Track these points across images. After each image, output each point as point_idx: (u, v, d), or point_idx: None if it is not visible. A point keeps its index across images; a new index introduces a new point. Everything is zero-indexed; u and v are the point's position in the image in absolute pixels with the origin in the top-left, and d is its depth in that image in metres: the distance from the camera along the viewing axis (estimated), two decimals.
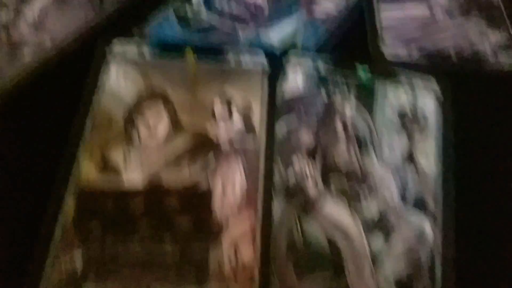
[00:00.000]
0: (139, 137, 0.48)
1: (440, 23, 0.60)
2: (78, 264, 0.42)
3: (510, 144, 0.51)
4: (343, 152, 0.48)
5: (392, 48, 0.57)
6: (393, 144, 0.49)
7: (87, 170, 0.46)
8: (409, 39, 0.58)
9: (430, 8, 0.61)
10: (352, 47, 0.58)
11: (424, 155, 0.49)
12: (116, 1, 0.59)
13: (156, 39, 0.56)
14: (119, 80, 0.52)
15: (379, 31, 0.58)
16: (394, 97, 0.52)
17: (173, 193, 0.45)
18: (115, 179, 0.45)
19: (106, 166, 0.46)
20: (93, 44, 0.54)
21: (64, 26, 0.56)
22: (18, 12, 0.57)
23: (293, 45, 0.57)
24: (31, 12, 0.57)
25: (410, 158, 0.48)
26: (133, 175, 0.46)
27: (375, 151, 0.48)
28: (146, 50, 0.54)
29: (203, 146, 0.48)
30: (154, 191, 0.45)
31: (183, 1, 0.60)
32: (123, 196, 0.45)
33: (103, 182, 0.45)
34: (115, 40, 0.55)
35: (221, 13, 0.59)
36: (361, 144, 0.49)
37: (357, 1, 0.61)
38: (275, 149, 0.48)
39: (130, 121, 0.49)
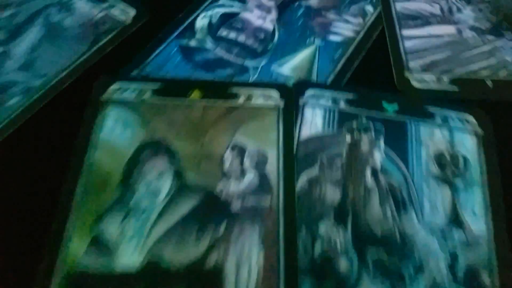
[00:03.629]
0: (138, 201, 0.33)
1: (469, 41, 0.44)
2: None
3: None
4: (377, 211, 0.33)
5: (419, 74, 0.41)
6: (434, 199, 0.34)
7: (76, 248, 0.31)
8: (437, 61, 0.42)
9: (456, 26, 0.45)
10: (373, 74, 0.42)
11: (470, 210, 0.34)
12: (114, 37, 0.43)
13: (158, 79, 0.40)
14: (116, 130, 0.37)
15: (403, 56, 0.42)
16: (429, 137, 0.37)
17: (177, 276, 0.30)
18: (108, 259, 0.31)
19: (98, 241, 0.31)
20: (88, 86, 0.39)
21: (55, 66, 0.41)
22: (4, 51, 0.42)
23: (308, 74, 0.41)
24: (19, 50, 0.42)
25: (456, 215, 0.33)
26: (129, 253, 0.31)
27: (414, 209, 0.33)
28: (147, 92, 0.39)
29: (212, 209, 0.33)
30: (154, 273, 0.30)
31: (185, 33, 0.44)
32: (118, 282, 0.30)
33: (94, 263, 0.31)
34: (112, 82, 0.39)
35: (227, 42, 0.43)
36: (397, 199, 0.34)
37: (375, 20, 0.45)
38: (297, 212, 0.33)
39: (128, 181, 0.34)
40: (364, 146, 0.36)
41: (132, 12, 0.45)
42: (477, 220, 0.33)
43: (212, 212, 0.33)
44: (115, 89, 0.39)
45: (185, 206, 0.33)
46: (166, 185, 0.34)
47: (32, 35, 0.43)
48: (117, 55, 0.42)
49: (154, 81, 0.40)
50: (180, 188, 0.34)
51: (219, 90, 0.39)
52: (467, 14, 0.45)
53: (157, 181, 0.34)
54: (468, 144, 0.37)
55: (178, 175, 0.34)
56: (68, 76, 0.40)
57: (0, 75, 0.40)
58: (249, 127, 0.37)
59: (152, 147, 0.35)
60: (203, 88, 0.39)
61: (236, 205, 0.33)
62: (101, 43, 0.43)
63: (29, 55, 0.42)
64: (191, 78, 0.41)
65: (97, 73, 0.40)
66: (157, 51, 0.42)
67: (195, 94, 0.39)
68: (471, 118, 0.38)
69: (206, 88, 0.39)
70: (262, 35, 0.43)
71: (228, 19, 0.44)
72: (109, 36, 0.43)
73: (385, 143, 0.37)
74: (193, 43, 0.43)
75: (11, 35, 0.43)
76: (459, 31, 0.44)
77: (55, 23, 0.44)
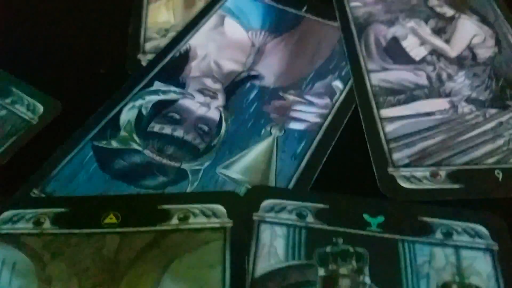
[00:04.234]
0: None
1: (467, 117, 0.34)
2: None
3: None
4: None
5: (407, 169, 0.32)
6: None
7: None
8: (429, 150, 0.33)
9: (449, 99, 0.36)
10: (348, 172, 0.33)
11: None
12: (15, 143, 0.34)
13: (61, 200, 0.30)
14: (2, 280, 0.26)
15: (384, 145, 0.33)
16: (428, 262, 0.27)
17: None
18: None
19: None
20: None
21: None
22: None
23: (264, 176, 0.32)
24: None
25: None
26: None
27: None
28: (46, 221, 0.29)
29: None
30: None
31: (106, 131, 0.34)
32: None
33: None
34: (3, 210, 0.29)
35: (160, 140, 0.33)
36: None
37: (346, 98, 0.36)
38: None
39: None
40: (345, 283, 0.26)
41: (40, 107, 0.35)
42: None
43: None
44: (6, 219, 0.29)
45: None
46: None
47: None
48: (18, 166, 0.33)
49: (56, 204, 0.30)
50: None
51: (143, 210, 0.30)
52: (461, 82, 0.37)
53: None
54: (481, 268, 0.27)
55: None
56: None
57: None
58: (183, 263, 0.27)
59: None
60: (120, 209, 0.29)
61: None
62: None
63: None
64: (106, 194, 0.31)
65: None
66: (66, 159, 0.32)
67: (110, 219, 0.29)
68: (481, 228, 0.29)
69: (125, 208, 0.30)
70: (205, 128, 0.34)
71: (162, 109, 0.35)
72: (8, 142, 0.34)
73: (370, 275, 0.27)
74: (114, 143, 0.33)
75: None
76: (454, 106, 0.35)
77: None
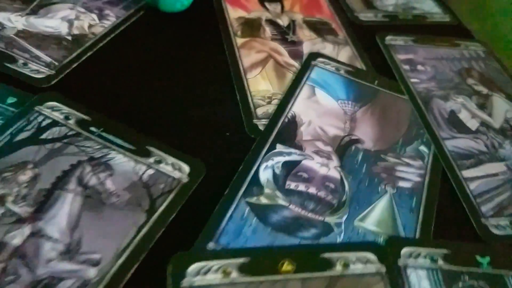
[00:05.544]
0: None
1: None
2: None
3: None
4: None
5: (494, 219, 0.41)
6: None
7: None
8: (503, 204, 0.43)
9: (505, 163, 0.46)
10: (450, 222, 0.41)
11: None
12: (175, 200, 0.38)
13: (242, 251, 0.35)
14: None
15: (473, 200, 0.42)
16: None
17: None
18: None
19: None
20: (156, 271, 0.33)
21: (108, 248, 0.34)
22: (35, 232, 0.34)
23: (394, 228, 0.39)
24: (55, 228, 0.34)
25: None
26: None
27: None
28: (233, 272, 0.33)
29: None
30: None
31: (252, 188, 0.40)
32: None
33: None
34: (189, 264, 0.33)
35: (299, 196, 0.40)
36: None
37: (433, 161, 0.45)
38: None
39: None
40: None
41: (185, 167, 0.40)
42: None
43: None
44: (194, 272, 0.33)
45: None
46: None
47: (67, 205, 0.36)
48: (182, 223, 0.37)
49: (239, 255, 0.35)
50: None
51: (310, 258, 0.35)
52: (509, 149, 0.47)
53: None
54: None
55: None
56: (131, 260, 0.33)
57: (38, 267, 0.32)
58: None
59: None
60: (293, 258, 0.35)
61: None
62: (161, 209, 0.37)
63: (70, 234, 0.34)
64: (274, 245, 0.36)
65: (164, 252, 0.34)
66: (227, 215, 0.37)
67: (286, 267, 0.35)
68: None
69: (297, 257, 0.35)
70: (332, 185, 0.41)
71: (291, 169, 0.41)
72: (169, 199, 0.37)
73: None
74: (263, 200, 0.39)
75: (38, 207, 0.35)
76: (510, 169, 0.46)
77: (93, 186, 0.37)
